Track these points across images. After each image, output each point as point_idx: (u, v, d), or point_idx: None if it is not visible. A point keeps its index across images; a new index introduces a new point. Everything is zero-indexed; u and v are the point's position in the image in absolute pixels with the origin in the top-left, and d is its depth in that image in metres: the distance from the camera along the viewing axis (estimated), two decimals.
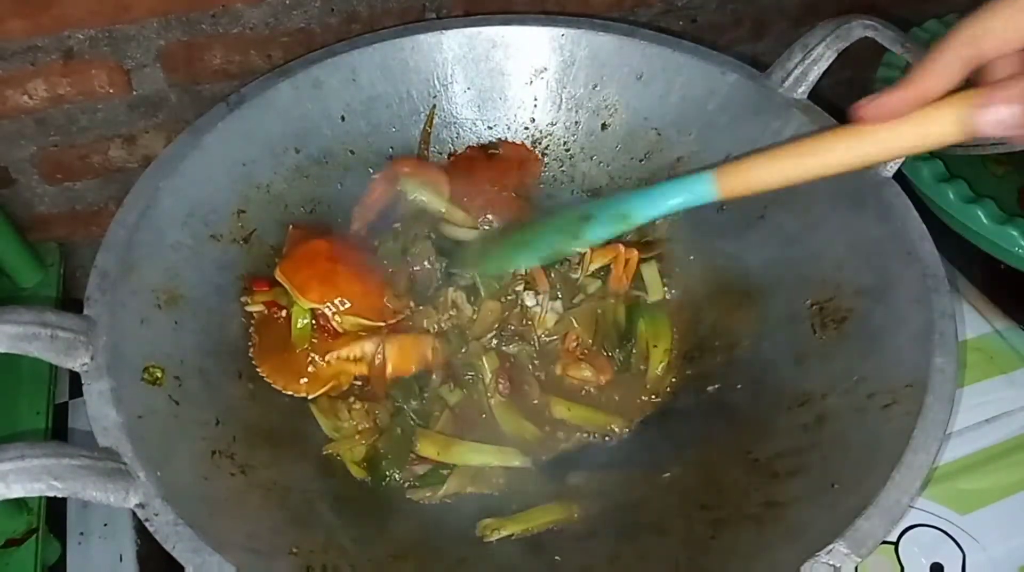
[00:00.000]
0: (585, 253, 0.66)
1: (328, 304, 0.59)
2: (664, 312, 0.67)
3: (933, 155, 0.75)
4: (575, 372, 0.63)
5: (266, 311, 0.60)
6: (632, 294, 0.67)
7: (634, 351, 0.65)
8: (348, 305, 0.59)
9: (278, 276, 0.59)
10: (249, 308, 0.60)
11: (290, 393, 0.58)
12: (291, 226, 0.65)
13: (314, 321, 0.60)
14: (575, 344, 0.64)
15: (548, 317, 0.64)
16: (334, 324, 0.59)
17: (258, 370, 0.58)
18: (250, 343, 0.60)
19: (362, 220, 0.67)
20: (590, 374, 0.63)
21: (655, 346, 0.65)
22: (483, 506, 0.57)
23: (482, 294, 0.63)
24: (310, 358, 0.59)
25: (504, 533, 0.55)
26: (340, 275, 0.60)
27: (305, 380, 0.59)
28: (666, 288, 0.68)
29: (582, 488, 0.58)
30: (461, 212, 0.67)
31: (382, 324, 0.61)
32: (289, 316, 0.60)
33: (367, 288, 0.60)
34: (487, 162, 0.71)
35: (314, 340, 0.59)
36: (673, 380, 0.64)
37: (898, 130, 0.38)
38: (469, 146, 0.73)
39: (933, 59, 0.36)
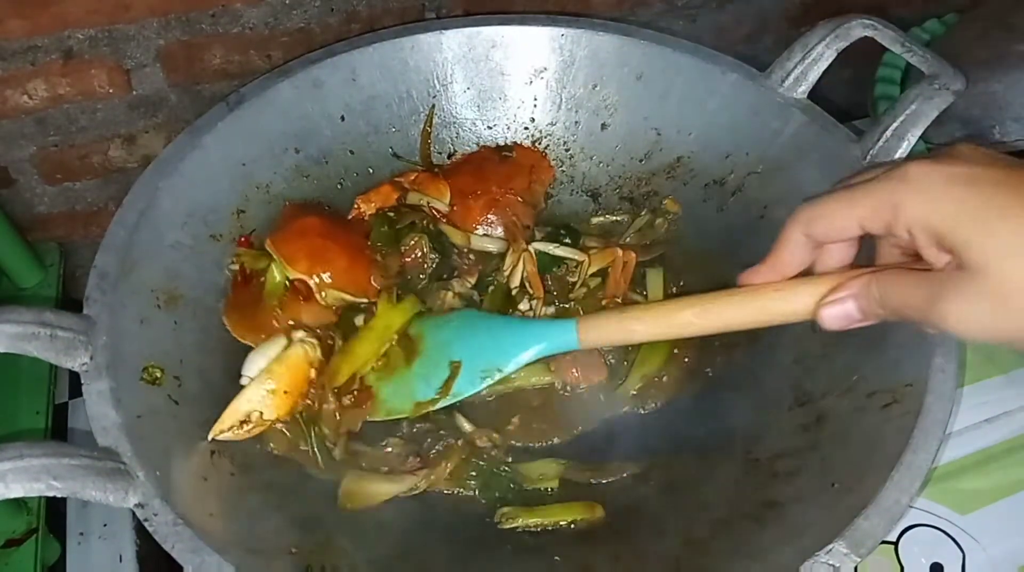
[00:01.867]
0: (583, 260, 0.66)
1: (314, 276, 0.59)
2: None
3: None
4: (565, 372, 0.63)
5: (239, 278, 0.60)
6: (631, 298, 0.67)
7: (625, 361, 0.64)
8: (332, 279, 0.59)
9: (268, 246, 0.60)
10: (231, 267, 0.61)
11: (247, 342, 0.58)
12: (287, 202, 0.65)
13: (290, 282, 0.60)
14: None
15: None
16: (317, 297, 0.59)
17: (223, 320, 0.58)
18: (225, 299, 0.60)
19: (361, 210, 0.67)
20: (580, 377, 0.62)
21: (642, 363, 0.63)
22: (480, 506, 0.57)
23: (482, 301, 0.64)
24: (275, 314, 0.59)
25: (519, 523, 0.55)
26: (329, 250, 0.60)
27: (264, 335, 0.58)
28: (667, 289, 0.68)
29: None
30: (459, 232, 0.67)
31: (364, 300, 0.61)
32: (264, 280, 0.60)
33: (354, 264, 0.61)
34: (498, 164, 0.71)
35: (284, 297, 0.59)
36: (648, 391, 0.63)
37: (767, 300, 0.41)
38: (484, 146, 0.73)
39: (782, 239, 0.40)
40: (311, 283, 0.59)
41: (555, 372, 0.62)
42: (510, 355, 0.53)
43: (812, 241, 0.39)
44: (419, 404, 0.55)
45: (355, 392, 0.57)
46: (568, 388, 0.63)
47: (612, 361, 0.64)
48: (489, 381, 0.53)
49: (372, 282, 0.61)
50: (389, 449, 0.57)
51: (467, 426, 0.59)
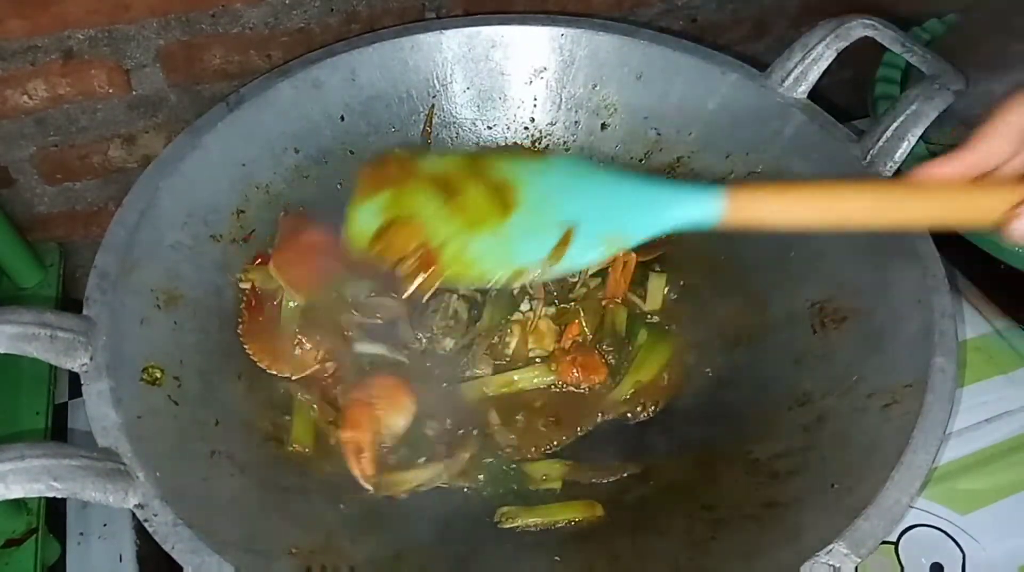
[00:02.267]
0: None
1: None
2: (668, 344, 0.64)
3: (933, 155, 0.75)
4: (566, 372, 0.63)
5: (253, 302, 0.60)
6: (630, 299, 0.67)
7: (625, 362, 0.64)
8: None
9: (271, 270, 0.59)
10: (242, 285, 0.60)
11: (274, 373, 0.58)
12: (282, 213, 0.64)
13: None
14: (570, 342, 0.64)
15: (541, 323, 0.64)
16: None
17: (245, 348, 0.58)
18: (239, 320, 0.60)
19: None
20: (581, 377, 0.62)
21: (637, 369, 0.63)
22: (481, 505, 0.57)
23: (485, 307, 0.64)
24: (297, 340, 0.59)
25: (520, 523, 0.55)
26: (331, 271, 0.60)
27: (291, 361, 0.59)
28: (667, 290, 0.67)
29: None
30: None
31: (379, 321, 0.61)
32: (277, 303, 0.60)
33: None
34: None
35: (303, 323, 0.59)
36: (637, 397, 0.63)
37: (950, 196, 0.36)
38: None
39: (987, 129, 0.35)
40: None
41: (556, 371, 0.62)
42: (638, 221, 0.43)
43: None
44: (520, 270, 0.44)
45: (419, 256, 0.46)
46: (569, 388, 0.63)
47: (612, 361, 0.64)
48: (612, 251, 0.44)
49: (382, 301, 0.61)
50: (430, 432, 0.57)
51: (496, 419, 0.59)
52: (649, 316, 0.67)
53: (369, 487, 0.54)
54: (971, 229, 0.36)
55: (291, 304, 0.59)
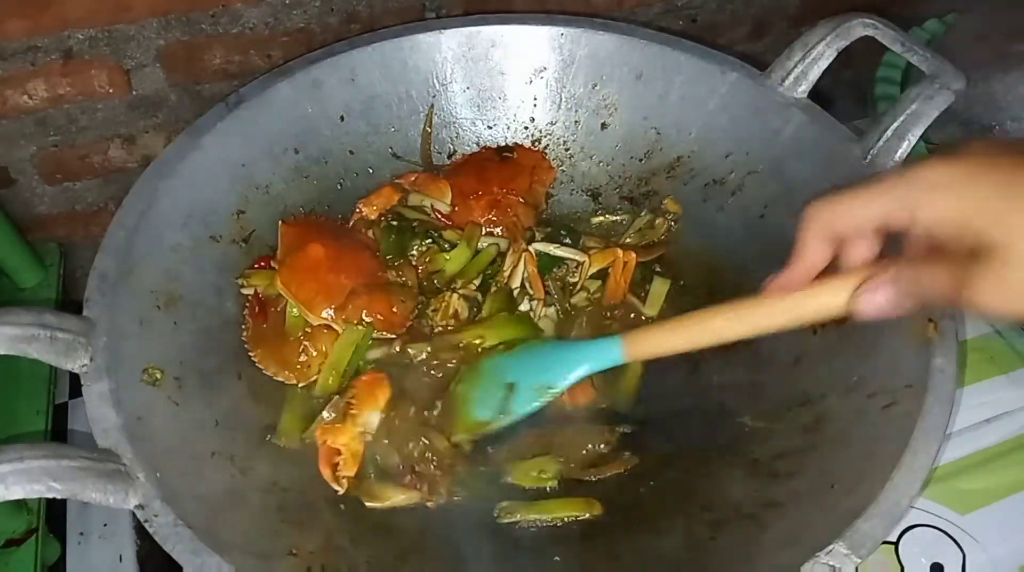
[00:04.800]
0: (584, 261, 0.66)
1: (334, 321, 0.58)
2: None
3: (932, 154, 0.75)
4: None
5: (256, 307, 0.60)
6: (630, 301, 0.67)
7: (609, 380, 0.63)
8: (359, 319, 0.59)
9: (279, 287, 0.59)
10: (244, 290, 0.60)
11: (280, 380, 0.58)
12: (281, 223, 0.63)
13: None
14: None
15: (541, 324, 0.64)
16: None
17: (250, 355, 0.58)
18: (243, 326, 0.60)
19: (363, 213, 0.66)
20: (567, 399, 0.61)
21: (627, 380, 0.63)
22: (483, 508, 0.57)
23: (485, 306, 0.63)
24: (303, 347, 0.59)
25: (519, 518, 0.55)
26: (344, 288, 0.59)
27: (296, 368, 0.58)
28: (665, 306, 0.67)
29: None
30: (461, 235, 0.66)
31: (393, 337, 0.60)
32: (281, 309, 0.60)
33: (373, 299, 0.59)
34: (499, 165, 0.70)
35: (308, 329, 0.59)
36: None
37: (797, 302, 0.42)
38: (485, 147, 0.73)
39: (802, 240, 0.40)
40: (334, 326, 0.58)
41: None
42: (560, 374, 0.54)
43: (832, 238, 0.39)
44: (479, 424, 0.56)
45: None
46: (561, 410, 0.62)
47: (598, 383, 0.63)
48: (544, 400, 0.55)
49: (394, 311, 0.60)
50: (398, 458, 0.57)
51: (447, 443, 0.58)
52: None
53: (338, 488, 0.54)
54: (831, 319, 0.42)
55: (295, 311, 0.59)
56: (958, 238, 0.34)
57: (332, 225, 0.66)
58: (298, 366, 0.58)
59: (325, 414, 0.56)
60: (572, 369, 0.54)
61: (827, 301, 0.40)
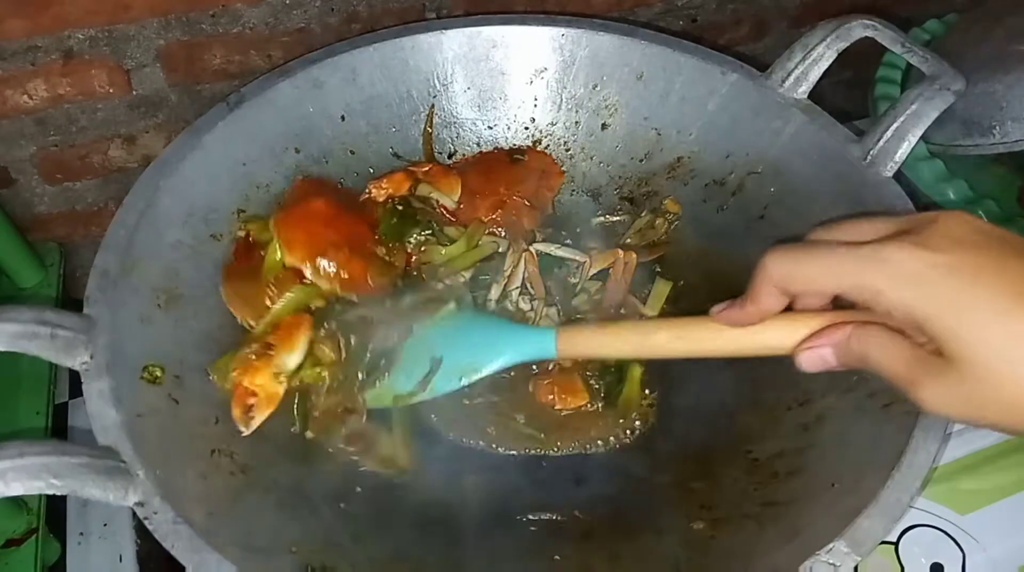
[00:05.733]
0: (585, 261, 0.66)
1: (307, 266, 0.58)
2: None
3: (933, 155, 0.75)
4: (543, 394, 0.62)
5: (243, 248, 0.60)
6: (631, 301, 0.67)
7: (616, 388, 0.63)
8: (326, 272, 0.59)
9: (271, 225, 0.59)
10: (239, 233, 0.61)
11: (238, 318, 0.58)
12: (300, 177, 0.64)
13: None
14: (553, 365, 0.63)
15: (541, 324, 0.64)
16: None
17: (219, 288, 0.58)
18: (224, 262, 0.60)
19: (372, 195, 0.66)
20: (556, 399, 0.62)
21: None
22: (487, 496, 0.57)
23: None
24: (269, 292, 0.58)
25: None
26: (330, 241, 0.59)
27: (257, 311, 0.57)
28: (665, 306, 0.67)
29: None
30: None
31: (353, 296, 0.60)
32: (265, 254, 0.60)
33: (351, 260, 0.59)
34: (508, 166, 0.71)
35: (279, 274, 0.59)
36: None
37: (743, 334, 0.41)
38: (497, 148, 0.73)
39: (755, 287, 0.39)
40: (305, 272, 0.58)
41: (533, 392, 0.62)
42: (488, 357, 0.53)
43: (788, 293, 0.39)
44: (398, 396, 0.56)
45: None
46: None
47: (596, 385, 0.63)
48: (466, 381, 0.53)
49: (368, 280, 0.60)
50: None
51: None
52: None
53: (244, 429, 0.53)
54: (770, 356, 0.41)
55: (276, 257, 0.59)
56: (917, 331, 0.34)
57: (345, 194, 0.66)
58: (260, 309, 0.57)
59: (246, 350, 0.55)
60: (499, 355, 0.52)
61: (773, 341, 0.40)
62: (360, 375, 0.57)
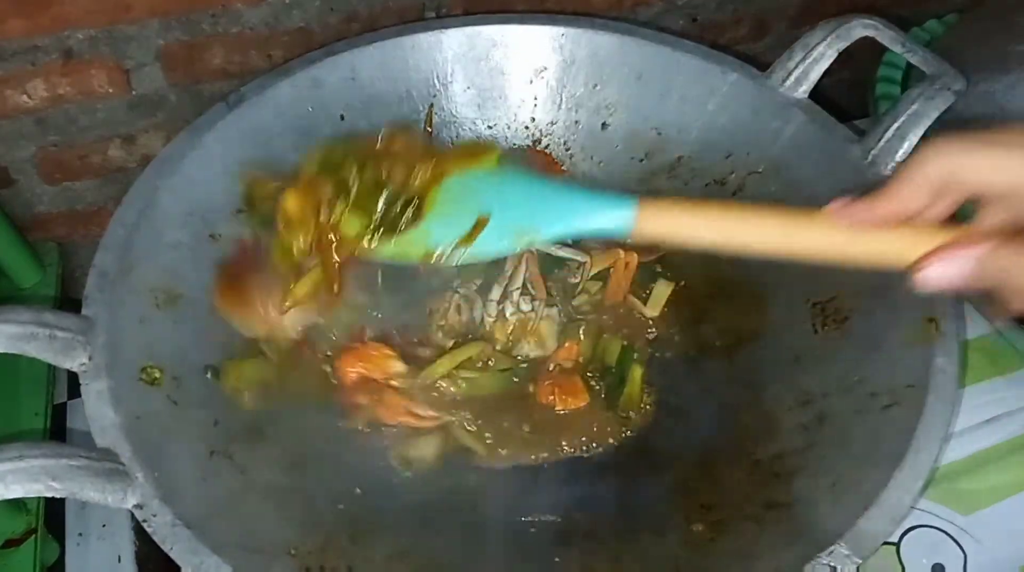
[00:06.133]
0: (586, 261, 0.66)
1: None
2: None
3: None
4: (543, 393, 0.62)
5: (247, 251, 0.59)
6: (631, 301, 0.66)
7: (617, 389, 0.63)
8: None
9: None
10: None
11: (223, 317, 0.57)
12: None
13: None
14: (554, 366, 0.63)
15: (543, 325, 0.64)
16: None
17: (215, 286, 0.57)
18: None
19: None
20: (556, 400, 0.61)
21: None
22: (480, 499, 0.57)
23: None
24: (264, 302, 0.57)
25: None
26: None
27: (248, 317, 0.57)
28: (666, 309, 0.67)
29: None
30: None
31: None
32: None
33: None
34: None
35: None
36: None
37: (860, 237, 0.36)
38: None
39: (902, 179, 0.34)
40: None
41: (533, 393, 0.62)
42: (549, 221, 0.45)
43: (943, 190, 0.33)
44: (431, 252, 0.46)
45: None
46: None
47: (597, 386, 0.63)
48: (522, 244, 0.45)
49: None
50: None
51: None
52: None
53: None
54: (881, 268, 0.36)
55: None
56: None
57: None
58: (252, 315, 0.57)
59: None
60: (561, 220, 0.44)
61: (893, 249, 0.35)
62: (377, 210, 0.47)
